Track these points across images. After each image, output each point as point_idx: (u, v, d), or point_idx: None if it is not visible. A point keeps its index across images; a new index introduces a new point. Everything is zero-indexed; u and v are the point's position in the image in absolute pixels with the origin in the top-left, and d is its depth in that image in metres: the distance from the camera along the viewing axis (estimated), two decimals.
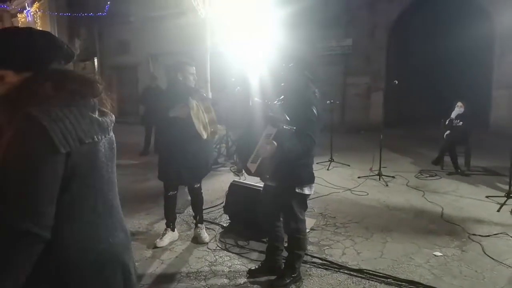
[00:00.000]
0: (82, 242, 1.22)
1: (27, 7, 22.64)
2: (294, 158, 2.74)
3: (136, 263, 2.45)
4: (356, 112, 12.11)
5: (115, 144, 1.40)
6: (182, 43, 12.96)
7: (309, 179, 2.96)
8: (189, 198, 4.12)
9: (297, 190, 2.89)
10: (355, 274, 3.21)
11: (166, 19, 14.35)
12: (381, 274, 3.18)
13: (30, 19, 22.67)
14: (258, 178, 3.12)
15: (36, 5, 21.77)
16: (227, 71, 9.15)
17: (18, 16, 23.94)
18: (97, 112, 1.31)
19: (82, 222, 1.23)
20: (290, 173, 2.84)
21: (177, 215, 4.19)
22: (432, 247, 3.72)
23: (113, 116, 1.39)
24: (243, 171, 5.54)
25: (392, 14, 11.52)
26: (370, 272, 3.21)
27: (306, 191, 2.93)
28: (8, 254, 1.09)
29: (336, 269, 3.29)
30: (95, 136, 1.24)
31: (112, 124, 1.36)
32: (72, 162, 1.17)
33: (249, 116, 3.12)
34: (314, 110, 2.82)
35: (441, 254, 3.56)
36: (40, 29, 1.26)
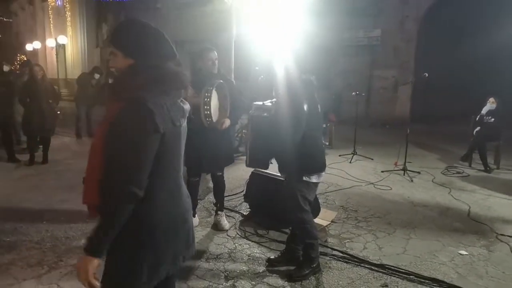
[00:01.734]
0: (166, 206, 1.55)
1: None
2: (285, 140, 2.79)
3: None
4: (382, 105, 11.84)
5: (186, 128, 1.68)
6: (207, 30, 12.93)
7: (318, 168, 2.95)
8: (210, 185, 4.12)
9: (304, 179, 2.89)
10: (376, 269, 3.14)
11: (192, 6, 14.35)
12: (403, 270, 3.10)
13: (59, 3, 23.13)
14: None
15: None
16: (252, 60, 9.09)
17: (48, 0, 24.45)
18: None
19: (167, 191, 1.56)
20: (297, 162, 2.85)
21: (198, 201, 4.20)
22: (457, 245, 3.61)
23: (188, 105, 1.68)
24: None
25: (423, 6, 11.14)
26: (392, 267, 3.14)
27: (314, 179, 2.93)
28: (115, 208, 1.39)
29: (356, 263, 3.23)
30: (180, 121, 1.56)
31: (188, 112, 1.65)
32: (165, 140, 1.46)
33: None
34: (305, 107, 2.78)
35: (467, 253, 3.45)
36: (155, 27, 1.57)
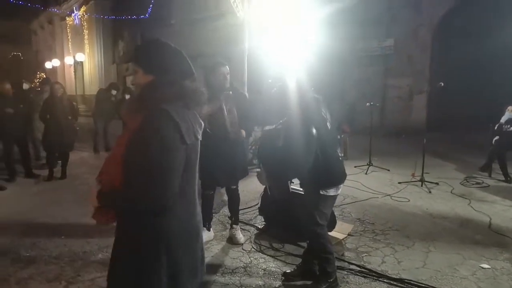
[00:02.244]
0: (185, 215, 1.61)
1: (75, 10, 23.81)
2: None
3: None
4: (397, 115, 11.71)
5: None
6: (220, 44, 13.09)
7: (335, 182, 2.89)
8: (225, 198, 4.12)
9: (321, 192, 2.84)
10: (395, 283, 3.07)
11: (205, 21, 14.57)
12: (423, 285, 3.02)
13: (77, 22, 23.83)
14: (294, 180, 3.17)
15: (83, 8, 22.86)
16: (265, 73, 9.13)
17: (67, 19, 25.21)
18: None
19: (187, 201, 1.61)
20: (314, 177, 2.80)
21: (213, 214, 4.20)
22: (479, 259, 3.50)
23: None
24: None
25: (437, 14, 11.06)
26: (412, 282, 3.06)
27: (331, 192, 2.88)
28: (140, 206, 1.47)
29: (375, 278, 3.17)
30: (199, 135, 1.62)
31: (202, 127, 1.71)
32: (188, 152, 1.53)
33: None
34: (313, 131, 2.71)
35: (489, 267, 3.34)
36: (174, 46, 1.68)
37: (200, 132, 1.65)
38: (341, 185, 2.97)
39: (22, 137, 6.61)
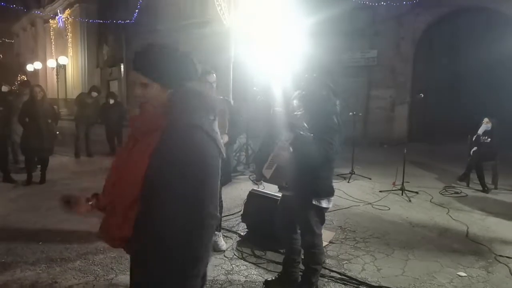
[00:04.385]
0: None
1: (59, 13, 23.51)
2: (312, 165, 2.61)
3: None
4: (379, 125, 11.92)
5: None
6: (206, 52, 13.10)
7: (328, 192, 2.82)
8: None
9: (314, 202, 2.75)
10: None
11: (191, 28, 14.59)
12: None
13: (61, 25, 23.52)
14: (277, 187, 3.04)
15: (67, 11, 22.61)
16: (250, 80, 9.19)
17: (50, 21, 24.87)
18: None
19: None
20: (308, 184, 2.72)
21: None
22: (456, 266, 3.57)
23: None
24: (262, 181, 5.46)
25: (419, 27, 11.35)
26: None
27: (324, 204, 2.79)
28: (201, 233, 1.42)
29: (355, 285, 3.20)
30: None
31: None
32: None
33: (270, 125, 3.05)
34: (335, 119, 2.72)
35: (466, 275, 3.41)
36: (183, 50, 1.53)
37: None
38: (332, 198, 2.87)
39: (1, 140, 6.45)
